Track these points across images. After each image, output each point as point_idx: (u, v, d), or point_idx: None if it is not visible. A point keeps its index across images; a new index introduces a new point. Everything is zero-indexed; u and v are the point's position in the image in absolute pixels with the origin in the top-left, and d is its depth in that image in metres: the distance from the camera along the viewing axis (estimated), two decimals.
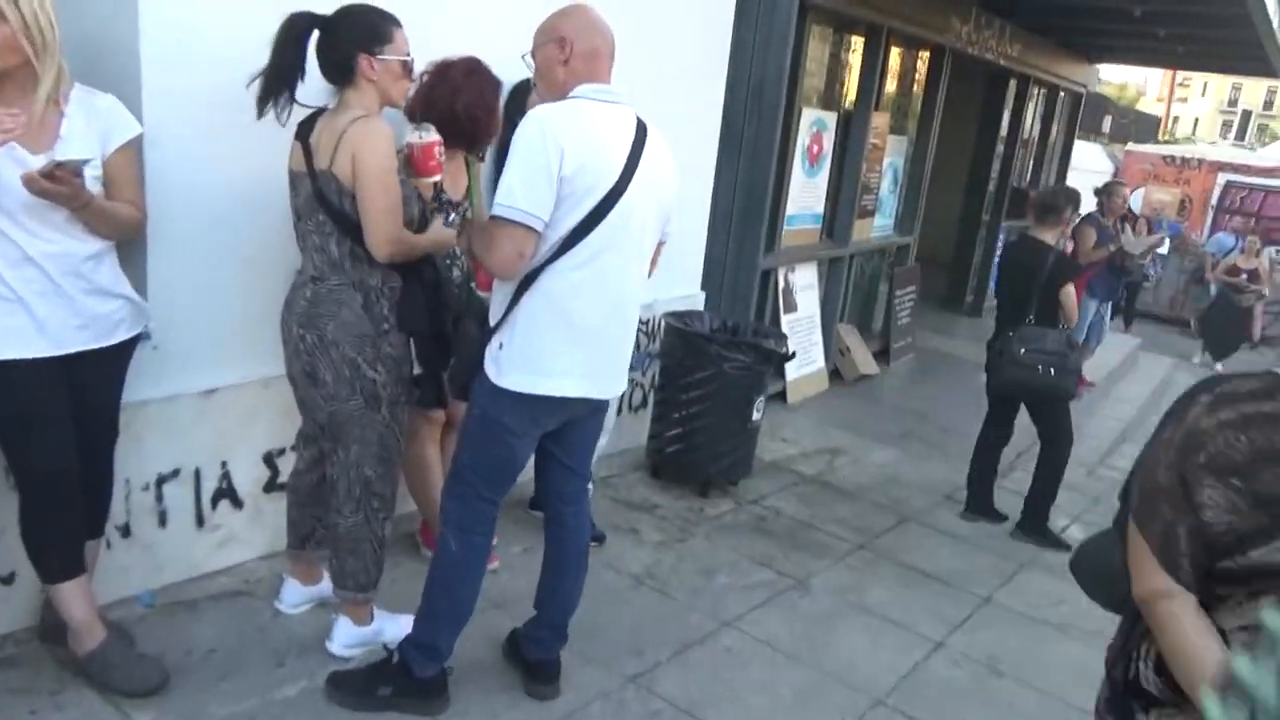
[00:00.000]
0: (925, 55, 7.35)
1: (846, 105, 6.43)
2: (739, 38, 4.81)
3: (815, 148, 6.05)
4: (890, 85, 7.02)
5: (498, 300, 2.41)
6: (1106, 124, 16.52)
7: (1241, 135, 30.91)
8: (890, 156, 7.09)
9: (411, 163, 2.69)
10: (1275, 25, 7.33)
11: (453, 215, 2.98)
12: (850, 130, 6.44)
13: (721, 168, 4.95)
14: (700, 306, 4.97)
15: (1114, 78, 49.84)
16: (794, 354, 5.10)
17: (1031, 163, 10.35)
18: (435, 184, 2.77)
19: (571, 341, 2.37)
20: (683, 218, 2.79)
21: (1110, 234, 6.96)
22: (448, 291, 2.75)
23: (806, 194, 6.14)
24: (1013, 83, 9.09)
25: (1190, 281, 13.64)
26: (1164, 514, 1.44)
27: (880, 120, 6.73)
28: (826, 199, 6.40)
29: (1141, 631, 1.52)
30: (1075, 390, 4.57)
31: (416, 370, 2.70)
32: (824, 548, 4.30)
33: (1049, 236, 4.56)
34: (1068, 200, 4.60)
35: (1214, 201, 13.89)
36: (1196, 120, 73.73)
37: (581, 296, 2.35)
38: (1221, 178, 13.84)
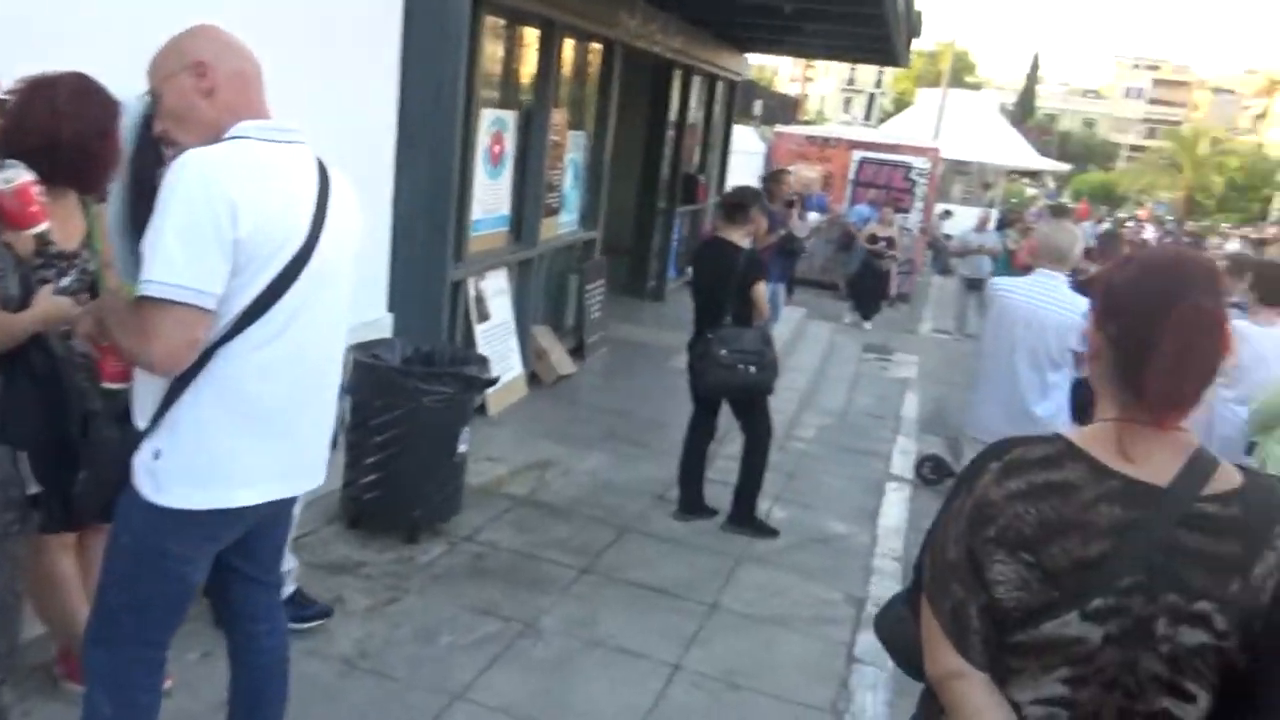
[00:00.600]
0: (597, 49, 7.30)
1: (525, 103, 6.20)
2: (410, 37, 4.40)
3: (497, 148, 5.77)
4: (566, 81, 6.89)
5: (145, 394, 1.89)
6: (757, 108, 17.83)
7: (867, 115, 35.19)
8: (571, 152, 6.99)
9: (1, 214, 2.07)
10: (900, 24, 8.12)
11: (69, 275, 2.36)
12: (531, 128, 6.23)
13: (401, 178, 4.54)
14: (389, 331, 4.54)
15: (753, 61, 54.11)
16: (497, 378, 4.83)
17: (698, 148, 10.78)
18: (38, 235, 2.16)
19: (257, 436, 1.93)
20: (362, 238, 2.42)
21: (780, 219, 7.37)
22: (69, 382, 2.14)
23: (491, 197, 5.86)
24: (677, 74, 9.37)
25: (837, 249, 15.12)
26: (955, 593, 1.41)
27: (560, 117, 6.59)
28: (512, 200, 6.15)
29: (939, 709, 1.47)
30: (773, 384, 4.72)
31: (33, 489, 2.09)
32: (548, 580, 4.09)
33: (738, 236, 4.65)
34: (754, 198, 4.72)
35: (851, 176, 15.42)
36: (823, 98, 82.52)
37: (269, 379, 1.91)
38: (856, 155, 15.39)
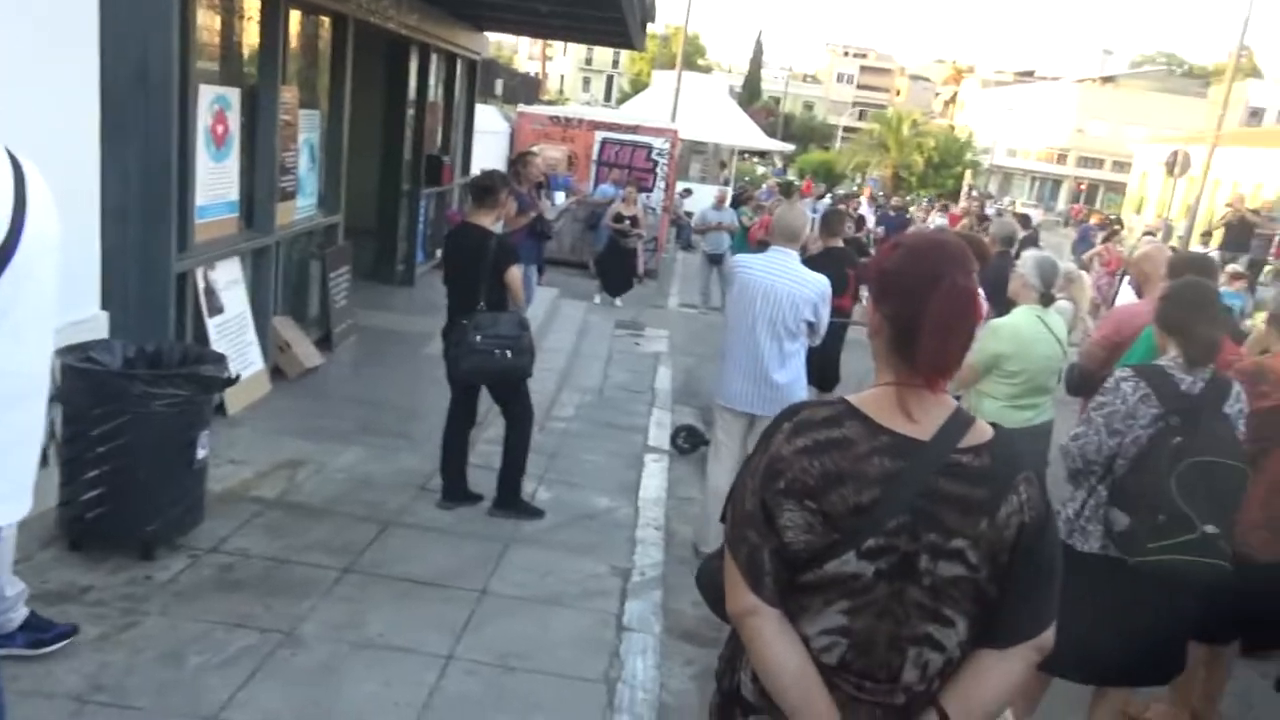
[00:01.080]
0: (327, 23, 6.93)
1: (250, 80, 5.78)
2: (109, 10, 3.96)
3: (220, 128, 5.34)
4: (295, 56, 6.49)
5: None
6: (499, 87, 17.67)
7: (607, 96, 35.94)
8: (305, 133, 6.60)
9: None
10: (634, 9, 8.33)
11: None
12: (258, 107, 5.81)
13: (108, 162, 4.10)
14: (104, 331, 4.10)
15: (492, 39, 53.47)
16: (237, 376, 4.50)
17: (440, 129, 10.55)
18: None
19: None
20: (62, 222, 2.15)
21: (529, 201, 7.37)
22: None
23: (217, 180, 5.42)
24: (414, 51, 9.09)
25: (585, 229, 15.37)
26: (750, 539, 1.57)
27: (290, 94, 6.20)
28: (241, 184, 5.73)
29: (742, 645, 1.63)
30: (531, 368, 4.73)
31: None
32: (307, 584, 3.90)
33: (488, 220, 4.61)
34: (503, 183, 4.69)
35: (595, 157, 15.68)
36: (562, 77, 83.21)
37: None
38: (599, 135, 15.66)
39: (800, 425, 1.58)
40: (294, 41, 6.36)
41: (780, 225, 4.59)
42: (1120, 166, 52.42)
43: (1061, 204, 55.04)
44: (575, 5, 8.06)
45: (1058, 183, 60.24)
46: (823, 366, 5.78)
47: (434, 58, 9.74)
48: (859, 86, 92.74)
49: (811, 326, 4.56)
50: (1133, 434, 3.01)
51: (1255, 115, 51.44)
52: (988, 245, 5.84)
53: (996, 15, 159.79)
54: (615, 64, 74.43)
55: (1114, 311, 4.80)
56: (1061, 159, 60.14)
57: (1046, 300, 4.49)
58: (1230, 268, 11.52)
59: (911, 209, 18.38)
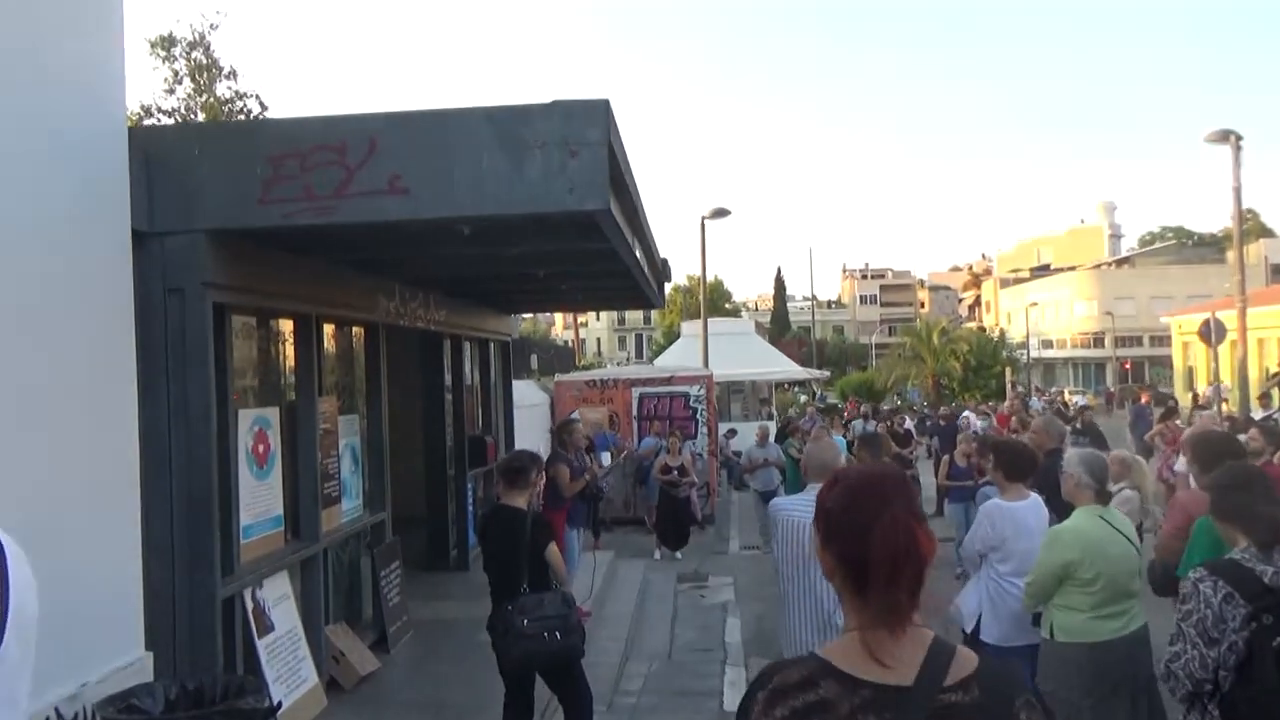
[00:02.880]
0: (360, 333, 7.34)
1: (288, 397, 6.05)
2: (147, 345, 4.24)
3: (261, 447, 5.52)
4: (332, 368, 6.83)
5: None
6: (534, 361, 18.40)
7: (639, 353, 37.42)
8: (346, 438, 6.81)
9: None
10: (647, 275, 8.78)
11: None
12: (298, 421, 6.04)
13: (150, 497, 4.20)
14: (149, 674, 4.02)
15: (526, 317, 56.51)
16: (279, 705, 4.35)
17: (480, 410, 10.86)
18: None
19: None
20: (103, 569, 2.13)
21: (581, 466, 7.42)
22: None
23: (261, 498, 5.53)
24: (447, 343, 9.55)
25: (635, 483, 15.35)
26: None
27: (328, 405, 6.46)
28: (285, 497, 5.83)
29: None
30: (582, 646, 4.53)
31: None
32: None
33: (521, 500, 4.60)
34: (532, 462, 4.73)
35: (634, 412, 15.98)
36: (599, 340, 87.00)
37: None
38: (635, 391, 16.05)
39: (775, 694, 1.48)
40: (329, 355, 6.71)
41: (812, 463, 4.51)
42: (1158, 341, 52.33)
43: (1110, 384, 54.54)
44: (591, 280, 8.51)
45: (1100, 365, 60.01)
46: None
47: (466, 345, 10.21)
48: (883, 304, 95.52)
49: None
50: (1227, 640, 2.73)
51: (1278, 271, 51.86)
52: (1035, 452, 5.68)
53: (999, 217, 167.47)
54: (647, 319, 77.80)
55: (1178, 498, 4.57)
56: (1098, 342, 60.29)
57: (1105, 497, 4.28)
58: None
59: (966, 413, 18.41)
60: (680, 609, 10.00)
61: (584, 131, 4.38)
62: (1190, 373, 41.49)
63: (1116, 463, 7.22)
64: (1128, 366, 56.31)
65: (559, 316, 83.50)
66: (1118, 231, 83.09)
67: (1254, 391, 15.23)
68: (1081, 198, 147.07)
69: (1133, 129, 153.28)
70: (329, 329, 6.68)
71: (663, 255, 9.59)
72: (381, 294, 7.30)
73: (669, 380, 16.41)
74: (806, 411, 24.29)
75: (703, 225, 20.46)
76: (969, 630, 5.24)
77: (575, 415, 9.75)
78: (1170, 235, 75.52)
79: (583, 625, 4.48)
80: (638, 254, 6.73)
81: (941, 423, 15.44)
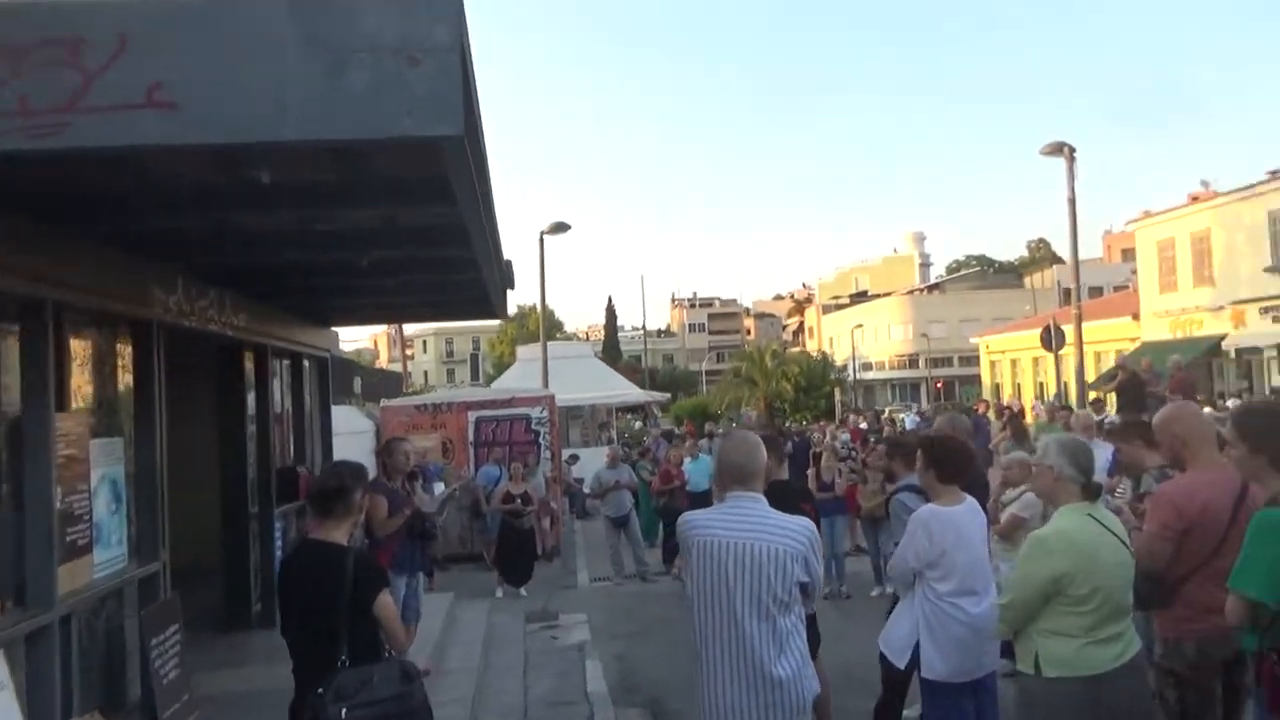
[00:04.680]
0: (125, 333, 5.77)
1: (9, 413, 4.46)
2: None
3: None
4: (80, 375, 5.24)
5: None
6: (357, 385, 16.69)
7: (474, 376, 35.69)
8: (102, 467, 5.22)
9: None
10: (495, 269, 7.59)
11: None
12: (22, 444, 4.46)
13: None
14: None
15: (347, 347, 53.51)
16: None
17: (292, 437, 9.27)
18: None
19: None
20: None
21: (402, 497, 6.09)
22: None
23: None
24: (249, 355, 7.99)
25: (472, 516, 13.97)
26: None
27: (72, 423, 4.88)
28: (3, 550, 4.25)
29: None
30: None
31: None
32: None
33: (340, 534, 3.31)
34: (355, 479, 3.44)
35: (471, 439, 14.60)
36: (426, 373, 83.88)
37: None
38: (472, 415, 14.68)
39: None
40: (77, 357, 5.14)
41: (728, 464, 3.46)
42: (966, 361, 55.38)
43: (924, 404, 57.15)
44: (426, 272, 7.23)
45: (915, 385, 62.93)
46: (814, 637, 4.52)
47: (274, 360, 8.65)
48: (711, 332, 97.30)
49: (805, 589, 3.35)
50: None
51: (1068, 296, 56.33)
52: (971, 448, 4.91)
53: (819, 246, 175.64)
54: (476, 346, 75.72)
55: (1162, 492, 3.91)
56: (914, 363, 63.29)
57: (1093, 492, 3.46)
58: None
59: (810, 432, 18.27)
60: (532, 654, 8.76)
61: (429, 32, 3.20)
62: (998, 389, 43.92)
63: (1016, 465, 6.63)
64: (940, 386, 59.20)
65: (384, 348, 79.83)
66: (927, 260, 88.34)
67: (1091, 396, 15.74)
68: (894, 229, 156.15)
69: (941, 161, 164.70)
70: (76, 324, 5.12)
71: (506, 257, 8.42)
72: (157, 284, 5.79)
73: (509, 402, 15.16)
74: (645, 438, 23.52)
75: (541, 241, 19.39)
76: (903, 666, 4.34)
77: (402, 437, 8.32)
78: (974, 263, 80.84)
79: (428, 703, 3.24)
80: (487, 235, 5.54)
81: (795, 439, 14.97)
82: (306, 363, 9.69)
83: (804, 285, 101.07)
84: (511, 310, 57.27)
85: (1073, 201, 14.86)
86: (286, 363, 9.06)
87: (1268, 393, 19.19)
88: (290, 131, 3.30)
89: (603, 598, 11.84)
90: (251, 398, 8.07)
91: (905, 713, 5.58)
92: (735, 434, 3.57)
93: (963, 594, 4.21)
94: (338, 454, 10.92)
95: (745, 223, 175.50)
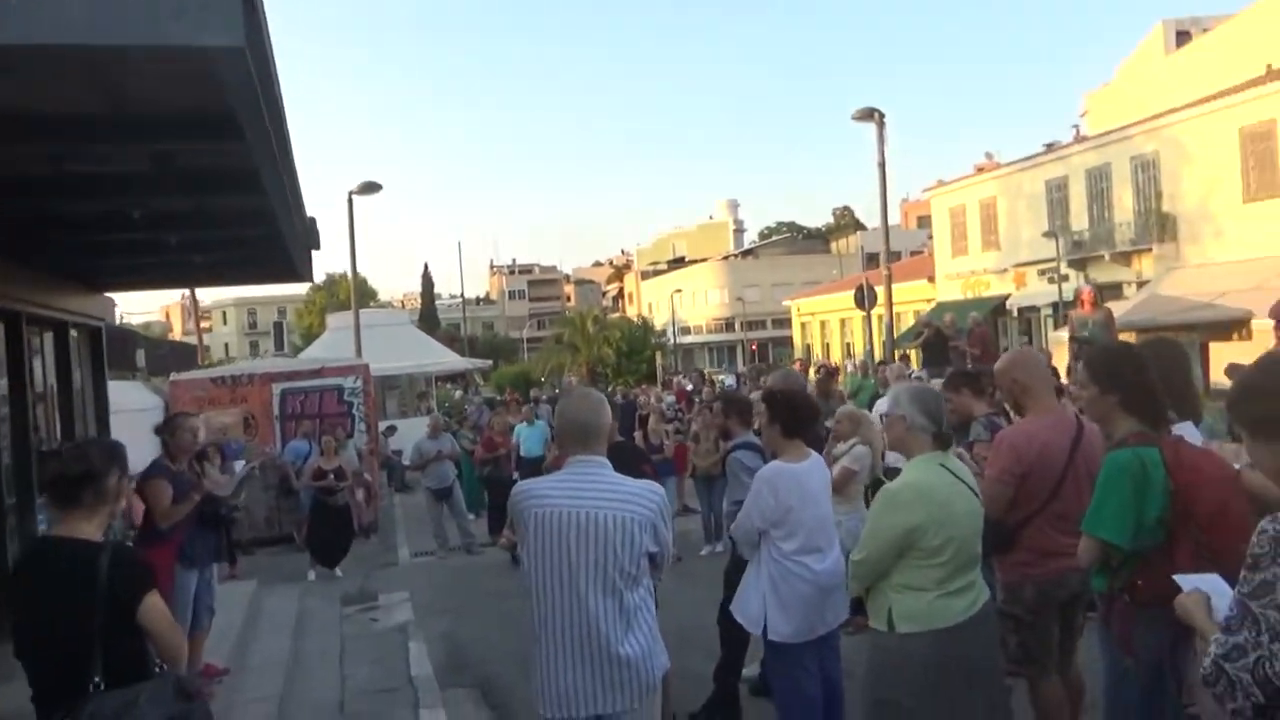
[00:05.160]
0: None
1: None
2: None
3: None
4: None
5: None
6: (141, 358, 15.08)
7: (279, 346, 33.39)
8: None
9: None
10: (294, 225, 6.84)
11: None
12: None
13: None
14: None
15: (136, 320, 49.21)
16: None
17: (58, 416, 8.14)
18: None
19: None
20: None
21: (190, 480, 5.36)
22: None
23: None
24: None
25: (280, 495, 13.02)
26: None
27: None
28: None
29: None
30: None
31: None
32: None
33: (90, 528, 2.70)
34: (107, 460, 2.83)
35: (276, 412, 13.55)
36: (227, 345, 78.59)
37: None
38: (277, 387, 13.60)
39: None
40: None
41: (570, 423, 3.11)
42: (779, 324, 57.50)
43: (741, 366, 58.95)
44: (216, 226, 6.41)
45: (732, 348, 64.79)
46: None
47: (34, 330, 7.52)
48: (531, 299, 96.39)
49: (654, 559, 3.06)
50: None
51: (871, 260, 59.35)
52: (815, 401, 4.77)
53: (637, 214, 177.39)
54: (282, 315, 71.59)
55: (1001, 438, 3.91)
56: (729, 327, 65.07)
57: (945, 441, 3.34)
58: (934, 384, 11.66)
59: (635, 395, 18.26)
60: (349, 640, 8.16)
61: None
62: (809, 349, 45.83)
63: (846, 418, 6.65)
64: (755, 348, 61.22)
65: (177, 320, 73.75)
66: (741, 226, 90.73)
67: (898, 353, 16.48)
68: (709, 197, 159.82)
69: (752, 129, 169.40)
70: None
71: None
72: None
73: (318, 372, 14.16)
74: (475, 403, 22.84)
75: (350, 201, 18.21)
76: (759, 633, 4.16)
77: (190, 411, 7.41)
78: (785, 229, 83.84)
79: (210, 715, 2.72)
80: (284, 180, 4.87)
81: (622, 401, 14.82)
82: (75, 333, 8.53)
83: (623, 252, 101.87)
84: (319, 278, 54.35)
85: (883, 166, 15.43)
86: (49, 332, 7.92)
87: (1045, 347, 20.84)
88: (15, 33, 2.66)
89: (426, 573, 11.30)
90: (3, 373, 6.97)
91: (744, 672, 5.48)
92: (578, 391, 3.22)
93: (808, 551, 4.06)
94: (118, 434, 9.77)
95: (565, 190, 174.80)
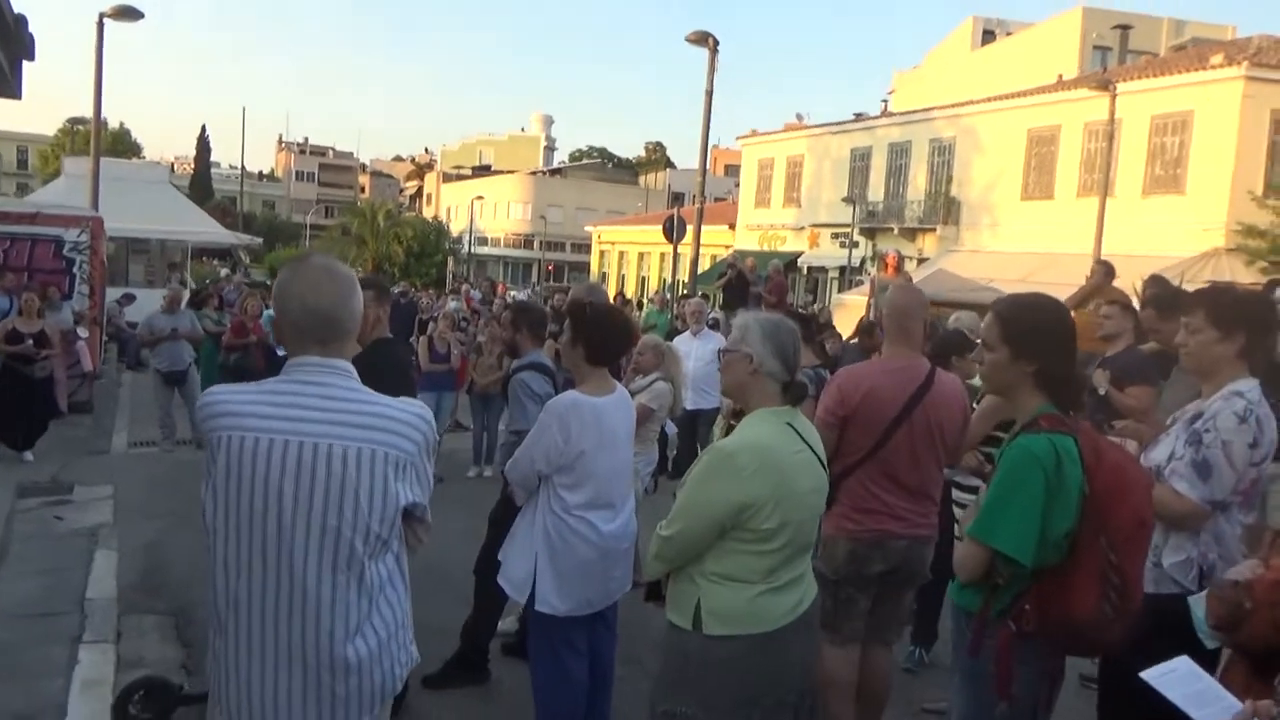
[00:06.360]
0: None
1: None
2: None
3: None
4: None
5: None
6: None
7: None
8: None
9: None
10: None
11: None
12: None
13: None
14: None
15: None
16: None
17: None
18: None
19: None
20: None
21: None
22: None
23: None
24: None
25: None
26: None
27: None
28: None
29: None
30: None
31: None
32: None
33: None
34: None
35: None
36: None
37: None
38: None
39: None
40: None
41: (299, 309, 2.01)
42: (579, 248, 56.77)
43: (536, 285, 57.81)
44: None
45: (529, 265, 63.44)
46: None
47: None
48: (321, 184, 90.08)
49: (414, 514, 2.08)
50: None
51: (677, 198, 59.63)
52: (633, 323, 3.92)
53: (445, 114, 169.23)
54: (22, 152, 62.65)
55: (831, 379, 3.54)
56: (529, 244, 63.58)
57: (797, 394, 2.56)
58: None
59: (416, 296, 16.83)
60: (17, 542, 6.66)
61: None
62: (604, 278, 45.43)
63: (649, 350, 5.87)
64: (551, 269, 60.23)
65: None
66: (553, 144, 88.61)
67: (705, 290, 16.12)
68: (523, 109, 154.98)
69: (573, 47, 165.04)
70: None
71: (18, 12, 5.83)
72: None
73: (32, 218, 11.82)
74: (233, 281, 20.49)
75: (100, 24, 15.38)
76: (525, 599, 3.31)
77: None
78: (596, 155, 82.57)
79: None
80: None
81: (402, 300, 13.45)
82: None
83: (426, 150, 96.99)
84: (70, 115, 47.37)
85: (709, 94, 14.73)
86: None
87: (827, 306, 21.41)
88: None
89: (143, 467, 9.69)
90: None
91: (500, 625, 4.67)
92: (316, 261, 2.11)
93: (596, 507, 3.23)
94: None
95: (370, 77, 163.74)
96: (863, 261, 28.39)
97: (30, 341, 9.43)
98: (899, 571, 3.41)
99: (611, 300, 13.90)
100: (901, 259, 12.70)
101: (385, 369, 2.97)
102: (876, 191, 29.99)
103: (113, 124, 63.76)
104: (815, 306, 25.08)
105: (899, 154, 29.59)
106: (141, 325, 11.41)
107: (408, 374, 3.74)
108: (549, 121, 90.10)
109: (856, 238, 28.14)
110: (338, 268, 2.11)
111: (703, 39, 14.76)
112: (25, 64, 5.96)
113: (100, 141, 16.26)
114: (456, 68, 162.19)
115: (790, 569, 2.48)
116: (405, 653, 2.10)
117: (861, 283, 22.70)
